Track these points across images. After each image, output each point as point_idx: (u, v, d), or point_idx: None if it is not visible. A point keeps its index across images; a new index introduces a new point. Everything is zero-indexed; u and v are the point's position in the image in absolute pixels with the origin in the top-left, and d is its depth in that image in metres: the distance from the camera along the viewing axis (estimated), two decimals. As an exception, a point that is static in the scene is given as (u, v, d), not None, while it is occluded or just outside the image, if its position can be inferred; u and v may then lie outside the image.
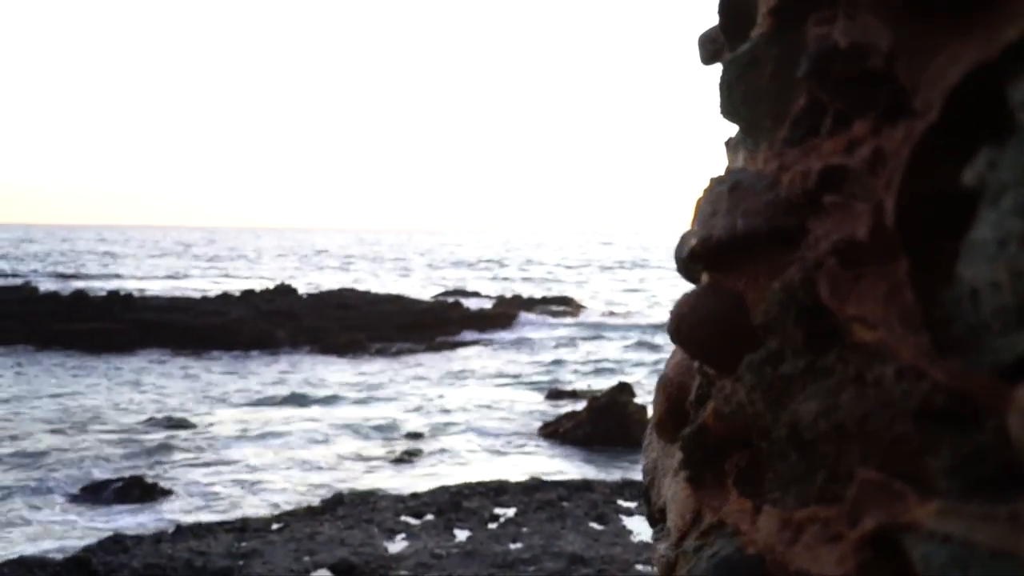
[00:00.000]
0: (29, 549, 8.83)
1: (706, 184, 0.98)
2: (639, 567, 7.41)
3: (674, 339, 0.98)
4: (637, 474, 11.68)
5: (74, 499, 11.13)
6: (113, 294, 26.33)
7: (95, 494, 11.22)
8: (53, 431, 14.74)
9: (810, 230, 0.68)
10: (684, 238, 1.01)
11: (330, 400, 17.50)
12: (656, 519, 1.04)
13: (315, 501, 10.53)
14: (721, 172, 0.99)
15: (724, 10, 0.95)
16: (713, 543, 0.86)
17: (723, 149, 1.00)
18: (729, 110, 0.86)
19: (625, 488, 9.90)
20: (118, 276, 51.24)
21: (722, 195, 0.78)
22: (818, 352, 0.66)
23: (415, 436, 14.58)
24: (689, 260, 0.84)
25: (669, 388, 0.98)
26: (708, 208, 0.80)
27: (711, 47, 1.01)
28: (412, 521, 9.07)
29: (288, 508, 10.34)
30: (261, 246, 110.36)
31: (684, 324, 0.84)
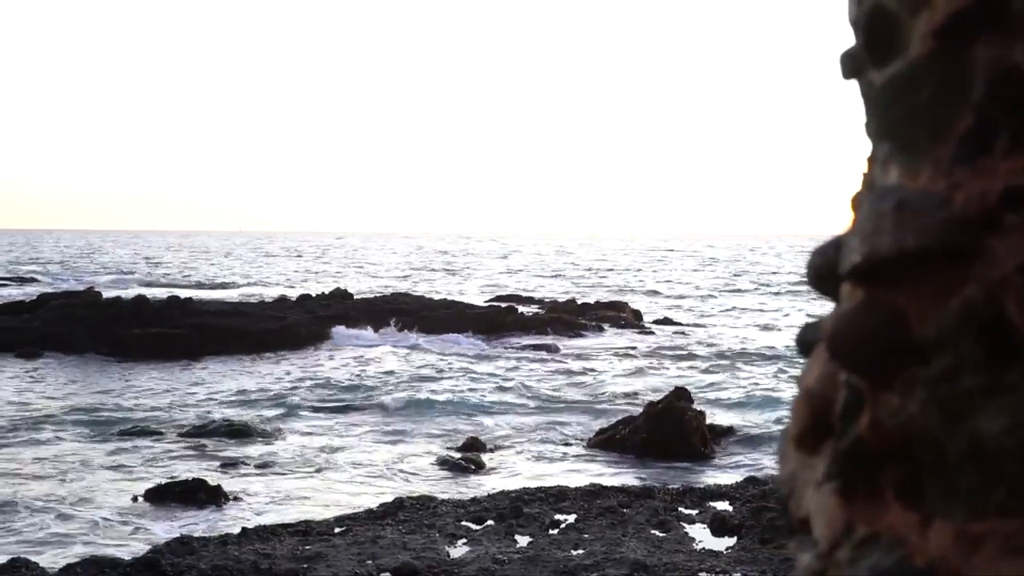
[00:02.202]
0: (99, 550, 9.03)
1: (858, 200, 0.99)
2: (703, 575, 7.38)
3: (811, 352, 1.00)
4: (697, 481, 11.62)
5: (140, 502, 11.34)
6: (173, 299, 26.79)
7: (160, 497, 11.42)
8: (119, 435, 15.03)
9: (989, 249, 0.69)
10: (823, 253, 1.03)
11: (387, 405, 17.59)
12: (795, 529, 1.06)
13: (375, 505, 10.61)
14: (864, 187, 1.00)
15: (867, 29, 0.97)
16: (869, 554, 0.87)
17: (865, 164, 1.01)
18: (883, 129, 0.88)
19: (686, 495, 9.85)
20: (169, 283, 52.03)
21: (886, 213, 0.79)
22: (1000, 369, 0.68)
23: (472, 441, 14.64)
24: (849, 276, 0.85)
25: (813, 400, 0.99)
26: (871, 225, 0.81)
27: (852, 63, 1.02)
28: (473, 526, 9.12)
29: (349, 512, 10.44)
30: (304, 251, 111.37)
31: (842, 339, 0.85)
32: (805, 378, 1.08)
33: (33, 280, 53.57)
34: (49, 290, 35.67)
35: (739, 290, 51.10)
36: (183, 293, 31.25)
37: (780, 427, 15.39)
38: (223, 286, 53.10)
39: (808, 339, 1.10)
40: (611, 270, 70.83)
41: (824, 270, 1.06)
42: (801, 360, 1.11)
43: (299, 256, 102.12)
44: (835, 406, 0.97)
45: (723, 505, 9.44)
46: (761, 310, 39.31)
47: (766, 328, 32.85)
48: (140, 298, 26.43)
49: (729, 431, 14.90)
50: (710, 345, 27.34)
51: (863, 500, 0.89)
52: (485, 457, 13.69)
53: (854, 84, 1.00)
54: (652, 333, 29.25)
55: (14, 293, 38.55)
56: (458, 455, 13.64)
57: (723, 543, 8.37)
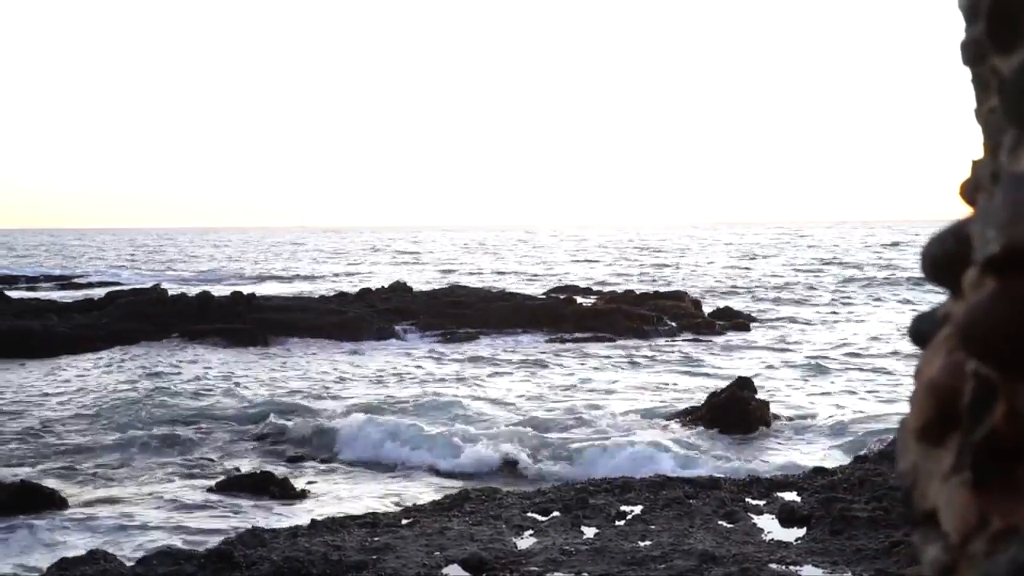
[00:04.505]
0: (173, 542, 9.21)
1: (974, 187, 0.98)
2: (773, 566, 7.31)
3: (927, 343, 0.99)
4: (763, 471, 11.51)
5: (211, 494, 11.54)
6: (237, 295, 27.18)
7: (230, 489, 11.61)
8: (188, 428, 15.29)
9: None
10: (942, 242, 1.02)
11: (446, 401, 17.64)
12: (919, 522, 1.04)
13: (439, 496, 10.67)
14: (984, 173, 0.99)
15: (991, 15, 0.95)
16: (1007, 548, 0.86)
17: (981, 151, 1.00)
18: (1013, 115, 0.86)
19: (752, 486, 9.75)
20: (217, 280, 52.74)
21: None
22: None
23: (534, 436, 14.66)
24: (985, 266, 0.84)
25: (939, 392, 0.98)
26: (1007, 214, 0.80)
27: (972, 51, 1.01)
28: (539, 517, 9.12)
29: (414, 503, 10.51)
30: (347, 247, 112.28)
31: (977, 329, 0.84)
32: (926, 369, 1.06)
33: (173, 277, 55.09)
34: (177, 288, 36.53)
35: (791, 280, 50.40)
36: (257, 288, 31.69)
37: (840, 418, 15.24)
38: (280, 279, 53.80)
39: (923, 329, 1.09)
40: (658, 262, 70.23)
41: (942, 260, 1.04)
42: (916, 348, 1.10)
43: (359, 248, 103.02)
44: (962, 397, 0.96)
45: (791, 495, 9.33)
46: (817, 301, 38.67)
47: (827, 320, 32.42)
48: (205, 295, 26.87)
49: (793, 421, 14.76)
50: (771, 336, 27.10)
51: (998, 492, 0.88)
52: (546, 452, 13.71)
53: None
54: (712, 324, 28.99)
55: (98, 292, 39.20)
56: (519, 449, 13.67)
57: (792, 534, 8.28)
